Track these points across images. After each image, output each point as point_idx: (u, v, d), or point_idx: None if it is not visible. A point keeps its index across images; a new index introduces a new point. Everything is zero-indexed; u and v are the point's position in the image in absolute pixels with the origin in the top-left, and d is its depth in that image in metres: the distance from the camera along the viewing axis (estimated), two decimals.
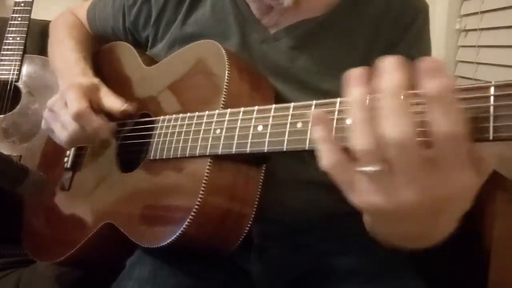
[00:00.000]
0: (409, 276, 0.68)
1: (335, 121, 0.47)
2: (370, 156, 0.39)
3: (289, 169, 0.71)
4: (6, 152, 1.13)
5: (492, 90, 0.37)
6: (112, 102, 0.76)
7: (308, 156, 0.73)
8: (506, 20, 0.95)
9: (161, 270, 0.65)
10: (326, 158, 0.42)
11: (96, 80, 0.80)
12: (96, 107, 0.75)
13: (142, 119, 0.75)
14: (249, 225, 0.63)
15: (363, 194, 0.42)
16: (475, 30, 1.06)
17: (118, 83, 0.84)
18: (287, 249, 0.75)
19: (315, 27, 0.72)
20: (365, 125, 0.39)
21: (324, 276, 0.70)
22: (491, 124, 0.37)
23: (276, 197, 0.69)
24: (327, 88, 0.71)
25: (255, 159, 0.64)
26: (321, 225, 0.76)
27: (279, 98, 0.70)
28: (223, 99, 0.62)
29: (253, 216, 0.63)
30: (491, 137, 0.37)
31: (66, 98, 0.72)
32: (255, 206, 0.63)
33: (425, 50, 0.75)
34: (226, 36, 0.75)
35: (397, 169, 0.38)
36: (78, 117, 0.70)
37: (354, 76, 0.42)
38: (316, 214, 0.75)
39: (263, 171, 0.64)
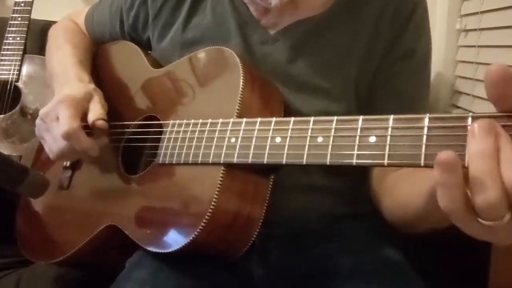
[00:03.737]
0: (409, 276, 0.68)
1: (357, 138, 0.47)
2: (498, 209, 0.36)
3: (291, 174, 0.71)
4: (6, 152, 1.13)
5: None
6: (91, 112, 0.75)
7: None
8: (506, 20, 0.95)
9: (161, 271, 0.65)
10: (450, 203, 0.38)
11: (91, 87, 0.79)
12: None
13: (150, 122, 0.75)
14: (257, 232, 0.63)
15: (484, 235, 0.39)
16: (475, 30, 1.06)
17: (122, 83, 0.84)
18: (289, 251, 0.75)
19: (314, 27, 0.72)
20: (491, 176, 0.36)
21: (325, 278, 0.70)
22: None
23: (278, 200, 0.69)
24: (328, 87, 0.71)
25: (266, 169, 0.63)
26: (322, 227, 0.76)
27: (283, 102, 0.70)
28: (237, 108, 0.62)
29: (261, 223, 0.63)
30: None
31: (58, 112, 0.72)
32: (263, 213, 0.63)
33: (427, 42, 0.76)
34: (227, 39, 0.75)
35: None
36: (67, 136, 0.70)
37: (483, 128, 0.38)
38: (317, 216, 0.75)
39: (271, 179, 0.64)
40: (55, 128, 0.72)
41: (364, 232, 0.73)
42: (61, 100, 0.73)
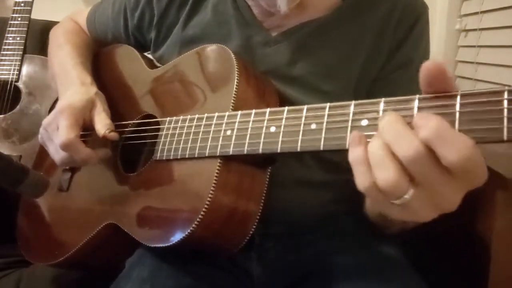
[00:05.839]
0: (409, 275, 0.68)
1: (350, 122, 0.47)
2: (399, 187, 0.39)
3: (289, 169, 0.71)
4: (6, 152, 1.13)
5: (505, 94, 0.38)
6: (98, 123, 0.75)
7: (307, 157, 0.73)
8: (506, 20, 0.95)
9: (160, 270, 0.65)
10: (361, 181, 0.42)
11: (93, 92, 0.78)
12: (90, 125, 0.75)
13: (147, 120, 0.75)
14: (254, 226, 0.63)
15: (404, 213, 0.42)
16: (475, 30, 1.06)
17: (120, 84, 0.84)
18: (287, 249, 0.75)
19: (316, 29, 0.72)
20: (384, 159, 0.40)
21: (324, 275, 0.70)
22: (505, 125, 0.38)
23: (276, 197, 0.69)
24: (328, 90, 0.71)
25: (262, 161, 0.64)
26: (321, 224, 0.76)
27: (281, 100, 0.70)
28: (232, 102, 0.62)
29: (258, 216, 0.63)
30: (505, 138, 0.38)
31: (58, 122, 0.72)
32: (261, 206, 0.63)
33: (425, 51, 0.76)
34: (228, 39, 0.74)
35: (425, 181, 0.39)
36: (64, 147, 0.70)
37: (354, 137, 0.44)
38: (316, 213, 0.75)
39: (268, 172, 0.64)
40: (55, 138, 0.73)
41: (363, 230, 0.73)
42: (61, 110, 0.73)
